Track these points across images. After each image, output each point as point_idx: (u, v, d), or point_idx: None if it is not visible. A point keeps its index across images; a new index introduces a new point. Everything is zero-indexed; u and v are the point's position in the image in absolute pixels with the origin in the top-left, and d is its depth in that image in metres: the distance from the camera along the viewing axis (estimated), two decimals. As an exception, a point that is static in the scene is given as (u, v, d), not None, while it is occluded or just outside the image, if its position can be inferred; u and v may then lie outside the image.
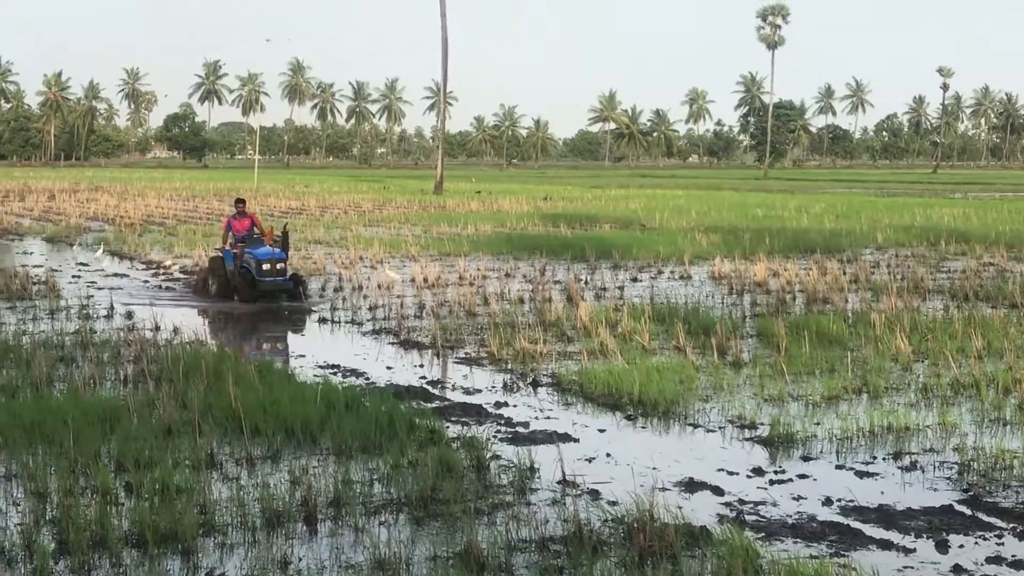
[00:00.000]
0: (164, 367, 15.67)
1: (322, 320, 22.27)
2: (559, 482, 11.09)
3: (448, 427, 13.30)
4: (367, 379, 16.40)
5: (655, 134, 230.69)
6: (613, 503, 10.40)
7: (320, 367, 17.32)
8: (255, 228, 25.62)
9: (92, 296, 24.32)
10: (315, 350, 19.03)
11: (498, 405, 14.77)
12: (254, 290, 24.17)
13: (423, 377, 16.74)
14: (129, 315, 21.99)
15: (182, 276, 29.36)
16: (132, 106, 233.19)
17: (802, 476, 11.61)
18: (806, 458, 12.29)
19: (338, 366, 17.45)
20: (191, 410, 12.92)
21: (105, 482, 10.55)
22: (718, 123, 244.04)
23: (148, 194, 72.11)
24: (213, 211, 57.37)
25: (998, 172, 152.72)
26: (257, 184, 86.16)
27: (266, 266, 24.22)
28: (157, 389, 14.31)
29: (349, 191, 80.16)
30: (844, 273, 29.13)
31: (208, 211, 57.56)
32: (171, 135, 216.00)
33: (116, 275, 29.63)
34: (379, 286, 26.63)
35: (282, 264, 24.52)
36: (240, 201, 26.70)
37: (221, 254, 25.57)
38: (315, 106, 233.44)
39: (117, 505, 10.14)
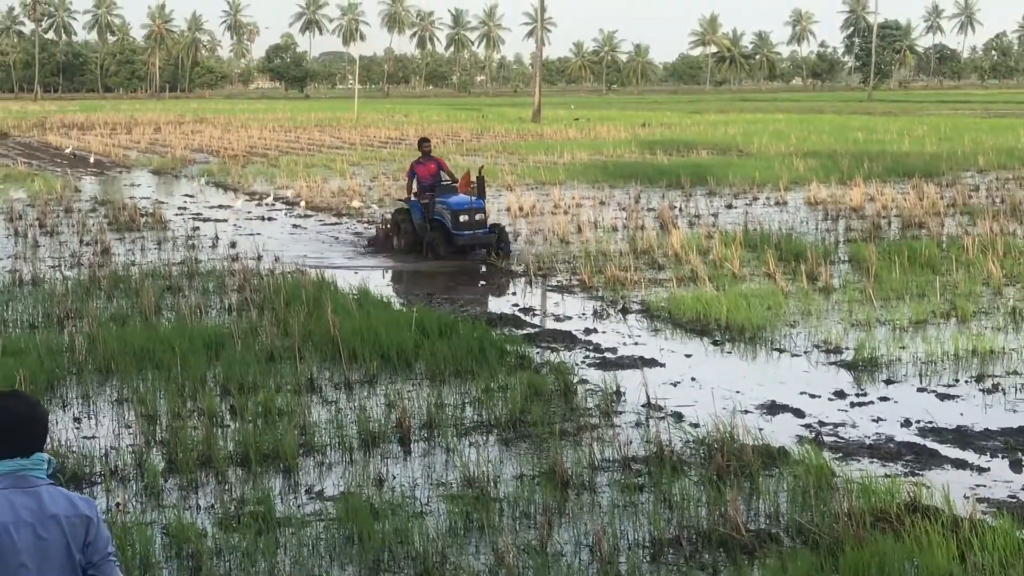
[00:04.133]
0: (266, 296, 16.28)
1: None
2: (644, 405, 11.43)
3: (538, 353, 13.71)
4: (461, 306, 16.86)
5: (757, 57, 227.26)
6: (695, 425, 10.73)
7: (415, 294, 17.82)
8: (443, 173, 22.35)
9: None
10: (411, 278, 19.55)
11: (587, 332, 15.13)
12: (450, 246, 21.21)
13: (515, 304, 17.16)
14: (233, 244, 22.67)
15: (283, 206, 29.93)
16: (234, 37, 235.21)
17: (883, 399, 11.82)
18: (889, 381, 12.48)
19: (432, 293, 17.94)
20: (292, 337, 13.47)
21: (211, 405, 11.13)
22: (822, 44, 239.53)
23: (251, 126, 73.18)
24: (314, 142, 58.23)
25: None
26: (357, 114, 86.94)
27: (463, 217, 21.16)
28: (260, 317, 14.91)
29: (448, 120, 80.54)
30: (942, 197, 28.90)
31: (309, 142, 58.43)
32: (273, 66, 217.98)
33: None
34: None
35: (481, 214, 21.45)
36: (424, 142, 22.98)
37: (406, 205, 22.35)
38: (414, 34, 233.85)
39: (222, 427, 10.72)
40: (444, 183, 22.04)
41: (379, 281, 19.53)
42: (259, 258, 20.35)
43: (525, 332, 14.92)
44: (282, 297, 15.93)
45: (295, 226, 26.75)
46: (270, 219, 28.02)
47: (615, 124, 68.91)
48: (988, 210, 25.89)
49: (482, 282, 19.82)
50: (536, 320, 16.01)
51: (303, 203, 29.84)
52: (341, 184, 34.27)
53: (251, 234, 24.51)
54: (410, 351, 13.17)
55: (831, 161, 39.21)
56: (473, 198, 21.34)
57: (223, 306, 16.36)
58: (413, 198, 22.03)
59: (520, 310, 16.65)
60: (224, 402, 11.45)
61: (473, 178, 21.75)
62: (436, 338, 13.63)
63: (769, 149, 46.95)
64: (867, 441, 10.40)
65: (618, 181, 35.24)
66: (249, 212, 29.27)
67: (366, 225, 26.32)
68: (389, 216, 24.06)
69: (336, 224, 26.95)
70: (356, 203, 29.29)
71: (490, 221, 21.97)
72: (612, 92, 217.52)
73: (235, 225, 26.52)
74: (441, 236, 21.22)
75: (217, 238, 23.48)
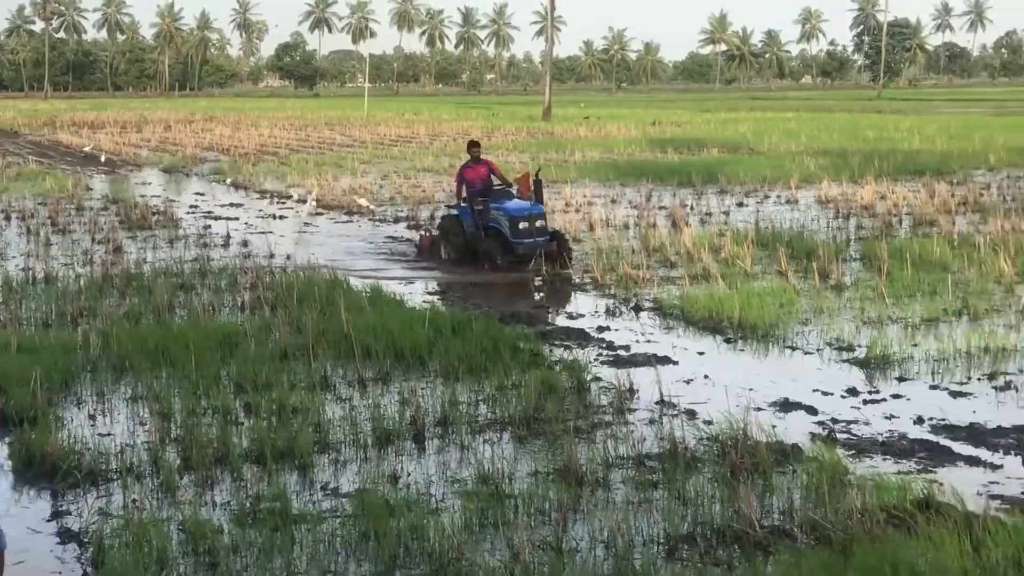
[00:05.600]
0: (279, 294, 16.33)
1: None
2: (657, 402, 11.46)
3: (551, 351, 13.75)
4: (474, 304, 16.90)
5: (766, 55, 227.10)
6: (708, 422, 10.74)
7: (429, 293, 17.86)
8: (494, 177, 21.00)
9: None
10: (423, 276, 19.58)
11: (600, 329, 15.15)
12: (509, 255, 19.71)
13: (528, 302, 17.18)
14: (245, 243, 22.72)
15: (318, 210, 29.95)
16: (243, 36, 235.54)
17: (896, 396, 11.84)
18: (901, 379, 12.50)
19: (446, 292, 17.97)
20: (305, 334, 13.51)
21: (225, 403, 11.18)
22: (831, 43, 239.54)
23: (261, 124, 73.29)
24: (324, 140, 58.30)
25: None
26: (368, 112, 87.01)
27: (523, 224, 19.66)
28: (273, 315, 14.96)
29: (458, 118, 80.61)
30: (953, 196, 28.87)
31: (320, 140, 58.49)
32: (282, 64, 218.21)
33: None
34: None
35: (542, 221, 20.01)
36: (474, 145, 21.62)
37: (455, 212, 21.02)
38: (424, 32, 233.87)
39: (237, 424, 10.76)
40: (497, 187, 20.72)
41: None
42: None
43: (538, 329, 14.96)
44: (295, 295, 15.99)
45: (331, 232, 26.76)
46: (308, 221, 28.05)
47: (625, 122, 68.91)
48: (999, 208, 25.88)
49: (539, 294, 18.43)
50: (549, 318, 16.06)
51: (313, 202, 28.58)
52: (352, 182, 34.32)
53: (279, 235, 24.53)
54: (424, 349, 13.20)
55: (841, 159, 39.20)
56: (532, 203, 20.00)
57: (236, 304, 16.40)
58: (463, 204, 20.66)
59: (533, 307, 16.72)
60: (238, 400, 11.50)
61: (531, 181, 20.38)
62: (449, 335, 13.66)
63: (779, 147, 46.94)
64: (880, 438, 10.42)
65: (629, 179, 35.27)
66: (294, 214, 29.31)
67: (403, 229, 25.30)
68: (436, 222, 22.96)
69: (356, 224, 26.97)
70: (363, 201, 28.98)
71: (539, 224, 20.03)
72: (621, 90, 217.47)
73: (285, 232, 26.53)
74: (498, 244, 19.79)
75: (229, 236, 23.52)
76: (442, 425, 10.76)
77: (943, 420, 10.91)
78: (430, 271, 20.37)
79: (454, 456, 10.02)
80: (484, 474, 9.32)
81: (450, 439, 10.44)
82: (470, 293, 18.25)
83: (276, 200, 31.77)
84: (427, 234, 22.08)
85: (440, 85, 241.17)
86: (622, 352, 13.84)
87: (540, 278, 19.06)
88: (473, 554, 7.84)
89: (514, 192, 20.54)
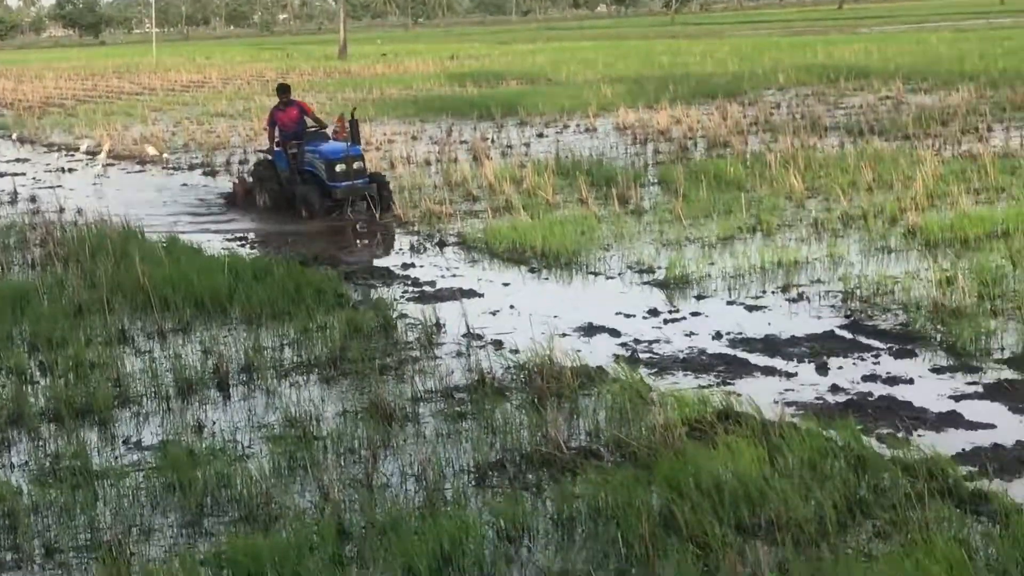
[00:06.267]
0: (71, 248, 15.79)
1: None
2: (464, 335, 11.50)
3: (356, 290, 13.67)
4: (275, 248, 16.64)
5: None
6: (515, 351, 10.83)
7: (228, 240, 17.52)
8: (308, 119, 20.14)
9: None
10: (222, 222, 19.19)
11: (405, 267, 15.11)
12: (327, 199, 18.90)
13: (331, 242, 17.00)
14: (33, 199, 21.91)
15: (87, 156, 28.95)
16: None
17: (695, 314, 12.12)
18: (700, 297, 12.80)
19: (246, 237, 17.65)
20: (100, 288, 13.12)
21: (19, 362, 10.81)
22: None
23: (45, 75, 70.43)
24: (112, 89, 56.46)
25: (902, 4, 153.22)
26: (156, 58, 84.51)
27: (340, 167, 18.77)
28: (65, 270, 14.48)
29: (252, 60, 78.98)
30: (745, 116, 29.60)
31: (108, 89, 56.62)
32: (64, 12, 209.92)
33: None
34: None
35: (360, 162, 19.13)
36: (283, 89, 20.56)
37: (269, 156, 20.23)
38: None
39: (32, 384, 10.41)
40: (311, 129, 19.85)
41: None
42: (61, 211, 19.54)
43: (342, 270, 14.83)
44: (87, 249, 15.49)
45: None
46: (101, 173, 27.10)
47: (423, 58, 68.42)
48: (789, 126, 26.64)
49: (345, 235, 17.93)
50: (352, 258, 15.93)
51: (105, 153, 27.44)
52: (143, 131, 33.35)
53: (69, 189, 23.67)
54: (224, 296, 12.96)
55: (638, 86, 39.75)
56: (349, 144, 18.98)
57: (26, 261, 15.84)
58: (277, 148, 19.83)
59: (336, 247, 16.56)
60: (33, 359, 11.12)
61: (347, 122, 19.32)
62: (251, 281, 13.44)
63: (577, 77, 47.30)
64: (681, 355, 10.67)
65: (429, 115, 35.13)
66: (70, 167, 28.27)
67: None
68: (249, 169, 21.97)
69: (150, 174, 26.23)
70: (152, 150, 27.73)
71: (356, 167, 19.12)
72: (418, 26, 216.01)
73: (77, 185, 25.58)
74: (315, 189, 18.92)
75: (16, 192, 22.62)
76: (246, 372, 10.60)
77: (740, 334, 11.22)
78: (244, 221, 19.54)
79: (260, 402, 9.88)
80: (291, 417, 9.23)
81: (255, 385, 10.30)
82: (279, 239, 17.67)
83: (65, 153, 30.69)
84: (240, 182, 21.24)
85: (232, 28, 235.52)
86: (428, 288, 13.84)
87: (362, 223, 18.35)
88: (282, 497, 7.76)
89: (329, 134, 19.86)
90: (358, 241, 17.70)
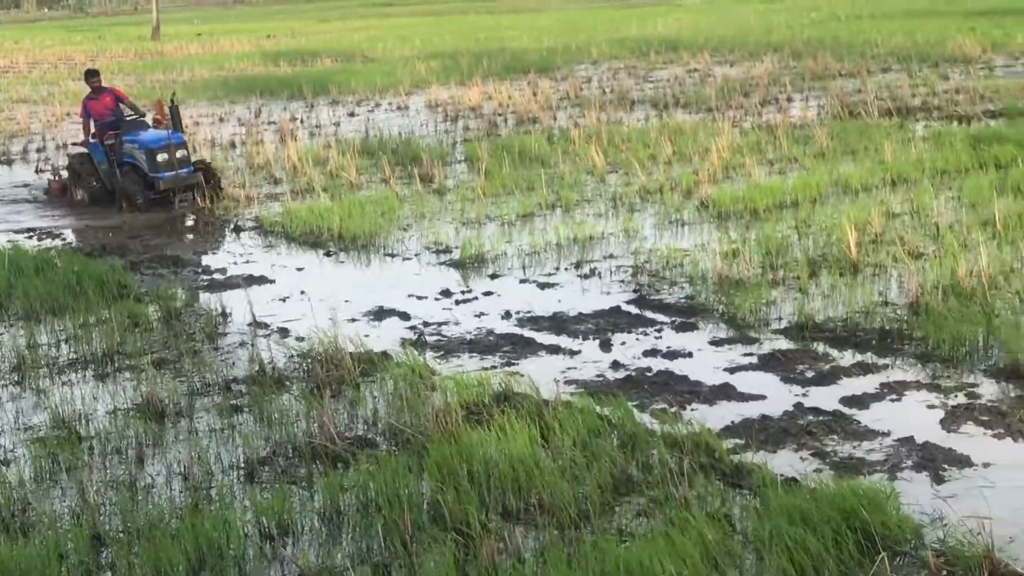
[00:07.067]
0: None
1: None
2: (249, 324, 11.23)
3: (142, 281, 13.26)
4: (64, 240, 16.06)
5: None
6: (301, 339, 10.61)
7: (14, 231, 16.84)
8: (124, 106, 18.86)
9: None
10: (50, 226, 18.41)
11: (196, 254, 14.72)
12: (150, 191, 17.74)
13: (120, 230, 16.47)
14: None
15: None
16: None
17: (488, 293, 12.05)
18: (494, 276, 12.73)
19: (34, 229, 17.00)
20: None
21: None
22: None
23: None
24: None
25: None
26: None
27: (161, 156, 17.66)
28: None
29: (62, 43, 76.26)
30: (556, 92, 29.71)
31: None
32: None
33: None
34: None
35: (183, 150, 18.05)
36: (92, 74, 19.12)
37: (85, 149, 18.82)
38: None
39: None
40: (129, 118, 18.63)
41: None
42: None
43: (128, 260, 14.36)
44: None
45: None
46: None
47: (240, 37, 67.03)
48: (596, 101, 26.81)
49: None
50: (140, 246, 15.44)
51: None
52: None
53: None
54: (3, 291, 12.45)
55: (453, 62, 39.55)
56: (170, 132, 17.91)
57: None
58: (92, 140, 18.55)
59: (126, 237, 16.03)
60: None
61: (166, 108, 18.28)
62: (32, 275, 12.93)
63: (393, 53, 46.89)
64: (468, 337, 10.57)
65: (239, 96, 34.38)
66: None
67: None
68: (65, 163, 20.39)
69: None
70: None
71: (179, 155, 18.03)
72: (239, 4, 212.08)
73: None
74: (137, 181, 17.76)
75: None
76: (17, 371, 10.16)
77: (529, 312, 11.18)
78: (60, 219, 18.05)
79: (29, 402, 9.46)
80: (59, 418, 8.86)
81: (25, 384, 9.86)
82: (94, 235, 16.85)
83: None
84: (56, 177, 19.85)
85: (45, 10, 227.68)
86: (217, 276, 13.49)
87: (192, 215, 17.41)
88: (41, 503, 7.43)
89: (148, 122, 18.76)
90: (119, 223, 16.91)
